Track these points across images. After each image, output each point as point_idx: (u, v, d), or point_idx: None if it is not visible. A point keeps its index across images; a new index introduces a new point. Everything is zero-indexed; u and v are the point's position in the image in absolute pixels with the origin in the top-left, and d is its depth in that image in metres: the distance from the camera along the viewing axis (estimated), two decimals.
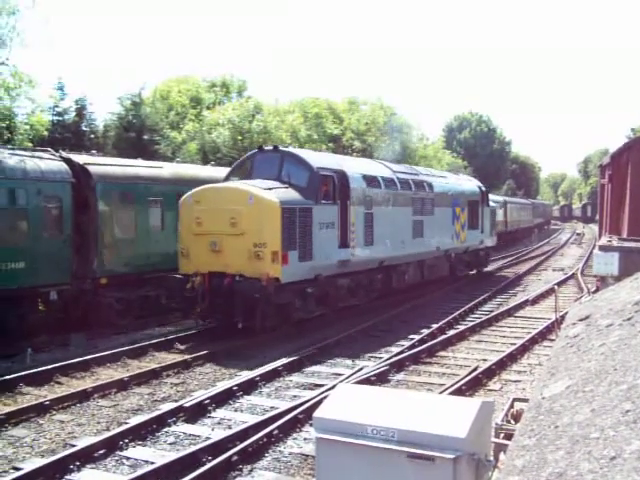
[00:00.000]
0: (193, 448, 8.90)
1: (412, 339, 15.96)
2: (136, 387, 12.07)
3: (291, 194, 16.10)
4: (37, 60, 73.48)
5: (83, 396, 11.42)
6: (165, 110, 41.01)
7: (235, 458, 8.56)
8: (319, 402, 10.22)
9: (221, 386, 11.71)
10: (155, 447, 9.22)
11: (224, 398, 11.31)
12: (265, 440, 9.28)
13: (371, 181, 19.37)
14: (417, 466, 5.02)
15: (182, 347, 15.28)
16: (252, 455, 8.85)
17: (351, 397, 5.70)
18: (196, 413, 10.53)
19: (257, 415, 10.52)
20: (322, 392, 11.25)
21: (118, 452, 8.98)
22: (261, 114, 40.81)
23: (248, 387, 12.00)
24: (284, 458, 8.86)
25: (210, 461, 8.40)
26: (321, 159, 18.32)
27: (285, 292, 15.61)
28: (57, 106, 32.08)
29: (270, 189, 15.70)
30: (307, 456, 8.84)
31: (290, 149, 19.09)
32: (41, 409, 10.69)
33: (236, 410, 10.90)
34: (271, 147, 18.42)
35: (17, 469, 8.28)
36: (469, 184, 29.47)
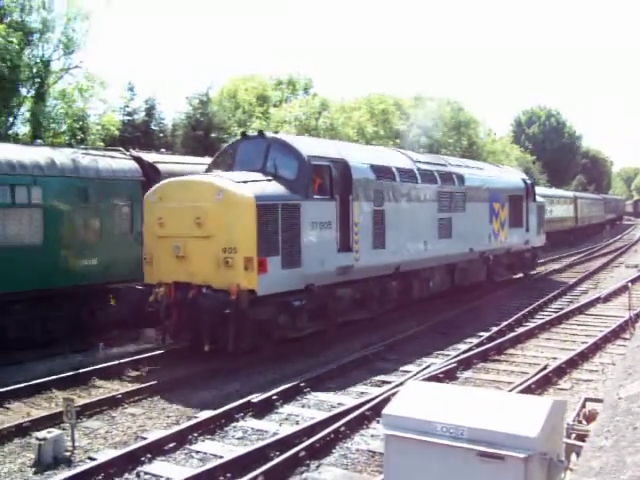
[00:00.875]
0: (261, 443, 8.97)
1: (480, 336, 15.73)
2: (210, 381, 12.23)
3: (273, 188, 13.49)
4: (108, 61, 75.33)
5: (153, 390, 11.64)
6: (232, 108, 41.47)
7: (303, 454, 8.58)
8: (386, 399, 10.21)
9: (289, 382, 11.76)
10: (223, 441, 9.32)
11: (292, 394, 11.36)
12: (332, 436, 9.28)
13: (382, 173, 16.56)
14: (487, 465, 4.94)
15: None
16: (319, 451, 8.86)
17: (420, 394, 5.64)
18: (264, 409, 10.61)
19: (324, 411, 10.53)
20: (389, 389, 11.19)
21: (187, 445, 9.12)
22: (327, 111, 40.86)
23: (315, 383, 12.03)
24: (351, 455, 8.85)
25: (278, 456, 8.44)
26: (315, 146, 15.62)
27: (264, 306, 12.96)
28: (127, 106, 32.83)
29: (245, 182, 13.08)
30: (374, 453, 8.81)
31: (278, 135, 16.17)
32: (113, 402, 10.95)
33: (303, 406, 10.93)
34: (256, 133, 15.82)
35: (92, 459, 8.49)
36: (511, 176, 26.38)
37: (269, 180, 13.69)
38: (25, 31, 28.11)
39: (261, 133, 15.44)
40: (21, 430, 9.53)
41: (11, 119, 28.46)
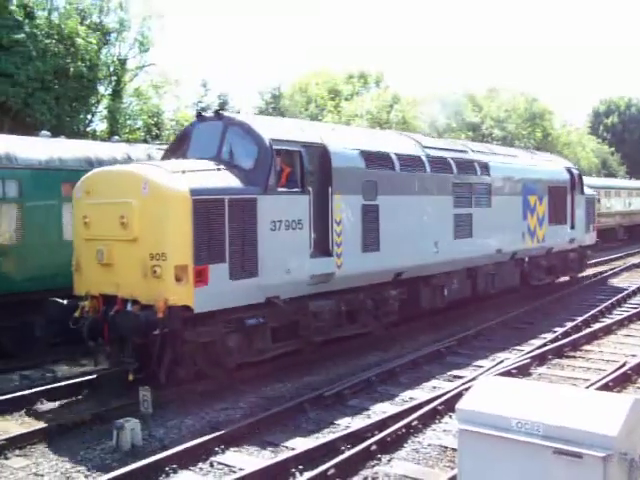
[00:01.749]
0: (332, 436, 9.00)
1: (555, 332, 15.40)
2: (284, 373, 12.34)
3: (220, 179, 10.98)
4: (182, 58, 76.70)
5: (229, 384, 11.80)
6: (304, 103, 41.67)
7: (374, 447, 8.57)
8: (459, 394, 10.10)
9: (360, 376, 11.77)
10: (295, 434, 9.38)
11: (363, 387, 11.37)
12: (404, 430, 9.24)
13: (376, 160, 13.78)
14: (563, 462, 4.83)
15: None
16: (391, 445, 8.83)
17: (494, 389, 5.56)
18: (335, 402, 10.65)
19: (396, 405, 10.49)
20: (462, 384, 11.08)
21: (260, 436, 9.22)
22: (399, 104, 40.62)
23: (387, 377, 12.00)
24: (423, 449, 8.79)
25: (349, 449, 8.45)
26: (282, 128, 12.72)
27: (207, 326, 10.70)
28: (201, 102, 33.34)
29: (184, 172, 10.60)
30: (446, 448, 8.73)
31: (238, 115, 13.85)
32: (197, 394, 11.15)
33: (375, 400, 10.91)
34: (212, 113, 12.93)
35: (168, 448, 8.68)
36: (551, 165, 22.56)
37: (218, 169, 11.16)
38: (103, 31, 28.93)
39: (217, 113, 12.57)
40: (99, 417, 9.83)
41: (89, 116, 29.33)
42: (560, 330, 15.52)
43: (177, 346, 10.49)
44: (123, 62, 30.14)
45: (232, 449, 8.78)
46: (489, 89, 53.47)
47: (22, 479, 8.00)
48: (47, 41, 26.16)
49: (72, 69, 26.48)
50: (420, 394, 11.01)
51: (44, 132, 15.71)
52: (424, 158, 15.33)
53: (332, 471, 7.79)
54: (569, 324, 16.16)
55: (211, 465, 8.33)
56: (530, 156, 22.40)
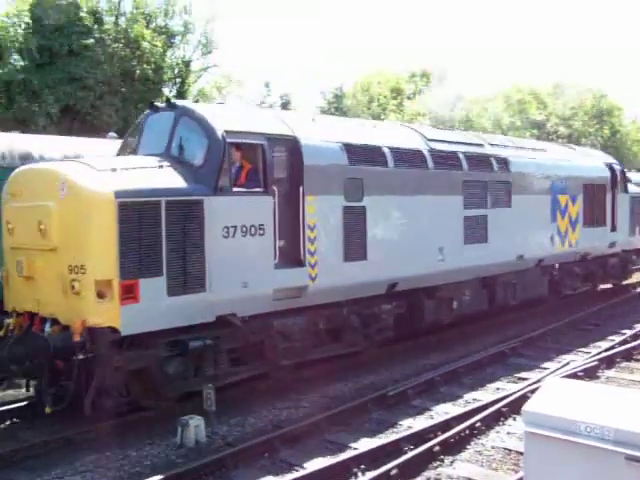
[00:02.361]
0: (395, 436, 8.95)
1: (624, 334, 15.00)
2: (346, 373, 12.33)
3: (159, 178, 9.36)
4: (245, 59, 77.42)
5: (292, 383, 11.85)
6: (366, 102, 41.61)
7: (437, 448, 8.49)
8: (523, 396, 9.94)
9: (423, 376, 11.68)
10: (358, 433, 9.36)
11: (426, 388, 11.28)
12: (467, 432, 9.12)
13: (363, 154, 11.99)
14: (636, 470, 4.69)
15: None
16: (454, 446, 8.73)
17: (562, 392, 5.44)
18: (398, 402, 10.59)
19: (459, 406, 10.37)
20: (526, 386, 10.89)
21: (322, 435, 9.22)
22: (463, 102, 40.22)
23: (450, 377, 11.88)
24: (486, 451, 8.66)
25: (412, 450, 8.39)
26: (241, 118, 10.85)
27: (140, 350, 9.15)
28: (263, 102, 33.59)
29: (114, 170, 9.03)
30: (510, 451, 8.58)
31: (189, 104, 11.70)
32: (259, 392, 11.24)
33: (437, 400, 10.81)
34: (164, 103, 11.02)
35: (230, 445, 8.77)
36: (587, 161, 19.94)
37: (160, 167, 9.60)
38: (168, 34, 29.43)
39: (169, 102, 10.86)
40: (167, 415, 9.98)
41: None
42: (629, 332, 15.12)
43: (104, 373, 8.66)
44: (187, 64, 30.64)
45: (294, 447, 8.82)
46: (554, 85, 52.35)
47: (90, 471, 8.18)
48: (114, 45, 26.78)
49: (138, 72, 27.04)
50: (483, 395, 10.87)
51: (111, 134, 16.05)
52: (426, 153, 13.35)
53: (394, 471, 7.75)
54: (638, 326, 15.73)
55: (273, 463, 8.38)
56: (563, 150, 20.16)
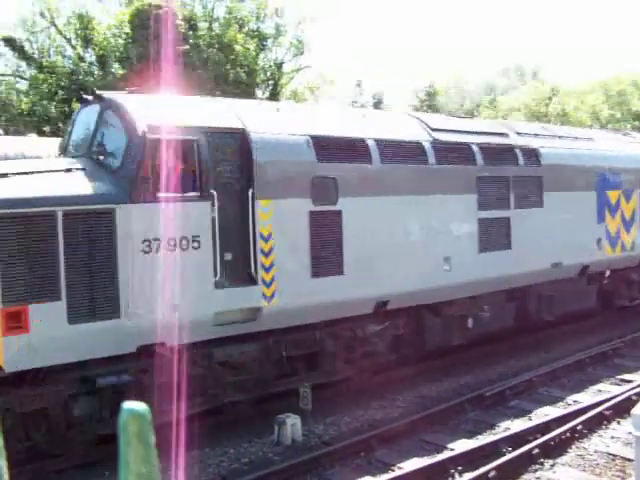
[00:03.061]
0: (493, 437, 8.82)
1: None
2: (443, 373, 12.23)
3: (60, 184, 7.94)
4: (337, 59, 77.74)
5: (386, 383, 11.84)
6: (460, 99, 41.08)
7: (536, 451, 8.30)
8: (628, 398, 9.61)
9: (521, 376, 11.45)
10: (454, 434, 9.26)
11: (524, 389, 11.05)
12: (568, 435, 8.88)
13: (338, 149, 10.16)
14: None
15: None
16: (554, 449, 8.51)
17: None
18: (495, 402, 10.42)
19: (559, 408, 10.11)
20: (631, 388, 10.52)
21: (418, 435, 9.18)
22: (558, 96, 39.13)
23: (549, 378, 11.59)
24: (589, 456, 8.40)
25: (510, 452, 8.24)
26: (173, 110, 9.10)
27: (34, 389, 7.72)
28: (355, 102, 33.65)
29: (5, 175, 7.79)
30: (614, 456, 8.29)
31: (117, 95, 9.42)
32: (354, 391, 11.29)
33: (536, 402, 10.57)
34: (91, 94, 9.60)
35: (326, 444, 8.85)
36: None
37: (68, 171, 8.23)
38: (260, 37, 29.89)
39: (95, 94, 9.44)
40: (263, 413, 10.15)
41: None
42: None
43: None
44: (279, 66, 31.04)
45: (390, 447, 8.81)
46: None
47: (189, 466, 8.39)
48: (209, 50, 27.41)
49: (232, 75, 27.57)
50: (585, 397, 10.55)
51: None
52: (427, 145, 11.38)
53: (493, 473, 7.64)
54: None
55: (369, 463, 8.39)
56: (614, 138, 17.46)
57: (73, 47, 29.05)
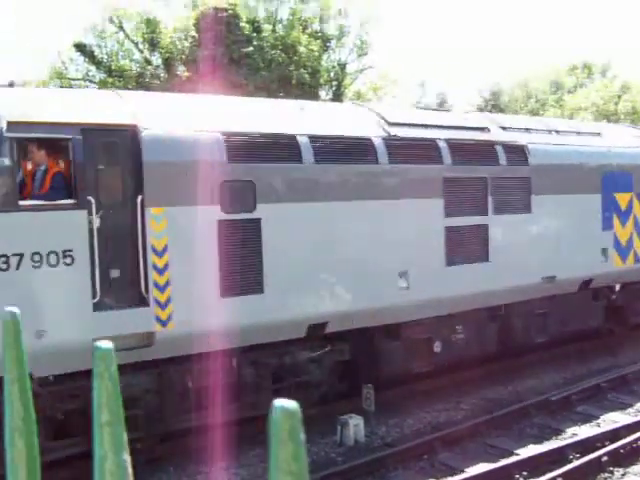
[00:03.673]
0: (559, 443, 8.65)
1: None
2: (505, 376, 12.07)
3: None
4: (400, 59, 77.30)
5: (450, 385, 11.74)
6: (524, 98, 40.42)
7: (605, 459, 8.11)
8: None
9: (588, 381, 11.19)
10: (519, 438, 9.12)
11: (592, 394, 10.80)
12: (639, 443, 8.64)
13: (257, 147, 8.87)
14: None
15: None
16: (624, 458, 8.31)
17: None
18: (561, 407, 10.22)
19: (629, 415, 9.85)
20: None
21: (482, 439, 9.07)
22: (629, 94, 38.11)
23: (618, 384, 11.30)
24: None
25: (577, 459, 8.07)
26: (46, 104, 7.99)
27: None
28: (419, 102, 33.47)
29: None
30: None
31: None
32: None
33: (604, 408, 10.32)
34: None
35: (390, 446, 8.82)
36: None
37: None
38: (323, 39, 29.98)
39: None
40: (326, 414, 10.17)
41: None
42: None
43: None
44: (343, 67, 31.05)
45: (453, 450, 8.73)
46: None
47: (253, 465, 8.48)
48: (272, 52, 27.60)
49: (295, 77, 27.71)
50: None
51: None
52: (378, 142, 9.89)
53: None
54: None
55: (432, 465, 8.34)
56: (630, 134, 15.41)
57: (140, 51, 29.63)
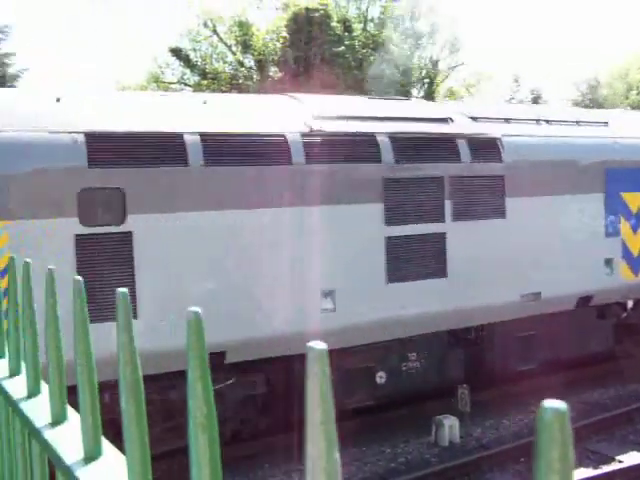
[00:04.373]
0: None
1: None
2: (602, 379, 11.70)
3: None
4: (494, 54, 76.01)
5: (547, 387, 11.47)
6: (624, 90, 39.04)
7: None
8: None
9: None
10: (622, 444, 8.83)
11: None
12: None
13: (129, 148, 7.57)
14: None
15: None
16: None
17: None
18: None
19: None
20: None
21: (582, 444, 8.81)
22: None
23: None
24: None
25: None
26: None
27: None
28: (513, 98, 32.85)
29: None
30: None
31: None
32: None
33: None
34: None
35: (486, 448, 8.68)
36: None
37: None
38: (415, 36, 29.83)
39: None
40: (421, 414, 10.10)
41: None
42: None
43: None
44: (435, 64, 30.81)
45: None
46: None
47: (347, 464, 8.51)
48: (364, 51, 27.66)
49: (386, 75, 27.68)
50: None
51: None
52: (294, 138, 8.40)
53: None
54: None
55: (529, 469, 8.15)
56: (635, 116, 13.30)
57: (233, 53, 30.23)
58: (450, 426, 8.91)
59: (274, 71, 27.85)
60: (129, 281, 7.19)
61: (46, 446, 0.93)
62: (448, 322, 9.40)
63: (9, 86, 19.69)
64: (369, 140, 8.84)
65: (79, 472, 0.81)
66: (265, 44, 28.06)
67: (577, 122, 11.35)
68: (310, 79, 26.46)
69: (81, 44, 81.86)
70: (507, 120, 10.46)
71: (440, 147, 9.41)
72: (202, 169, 7.74)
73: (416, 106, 10.59)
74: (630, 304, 11.60)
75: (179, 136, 7.74)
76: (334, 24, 27.75)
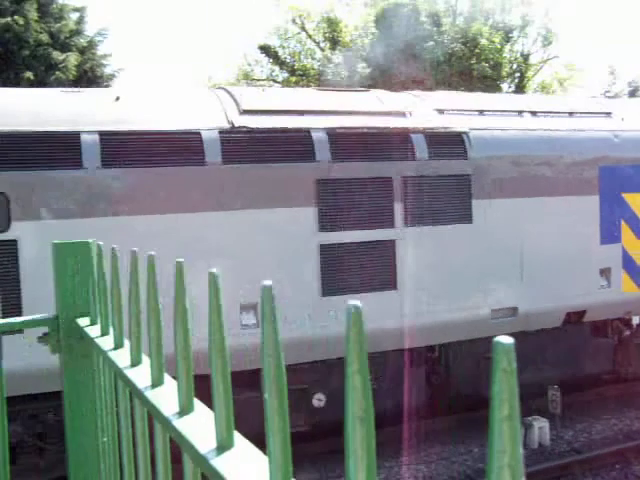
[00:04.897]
0: None
1: None
2: None
3: None
4: (590, 46, 73.71)
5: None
6: None
7: None
8: None
9: None
10: None
11: None
12: None
13: (15, 151, 7.07)
14: None
15: None
16: None
17: None
18: None
19: None
20: None
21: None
22: None
23: None
24: None
25: None
26: None
27: None
28: (608, 91, 31.82)
29: None
30: None
31: None
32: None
33: None
34: None
35: (578, 452, 8.47)
36: None
37: None
38: (506, 29, 29.28)
39: None
40: None
41: None
42: None
43: None
44: (526, 58, 30.14)
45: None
46: None
47: (434, 462, 8.45)
48: (453, 45, 27.31)
49: (476, 70, 27.26)
50: None
51: None
52: (209, 135, 7.71)
53: None
54: None
55: (625, 476, 7.91)
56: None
57: (322, 49, 30.40)
58: (540, 428, 8.75)
59: (363, 67, 27.84)
60: (14, 294, 6.78)
61: (177, 434, 0.96)
62: (397, 340, 8.37)
63: (105, 86, 20.40)
64: (302, 136, 8.09)
65: (213, 461, 0.84)
66: (353, 40, 28.10)
67: (570, 113, 10.11)
68: (399, 74, 26.36)
69: (175, 45, 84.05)
70: (481, 112, 9.43)
71: (390, 143, 8.48)
72: (99, 172, 7.17)
73: (373, 98, 9.27)
74: (637, 320, 10.25)
75: (74, 135, 7.18)
76: (423, 19, 27.52)
